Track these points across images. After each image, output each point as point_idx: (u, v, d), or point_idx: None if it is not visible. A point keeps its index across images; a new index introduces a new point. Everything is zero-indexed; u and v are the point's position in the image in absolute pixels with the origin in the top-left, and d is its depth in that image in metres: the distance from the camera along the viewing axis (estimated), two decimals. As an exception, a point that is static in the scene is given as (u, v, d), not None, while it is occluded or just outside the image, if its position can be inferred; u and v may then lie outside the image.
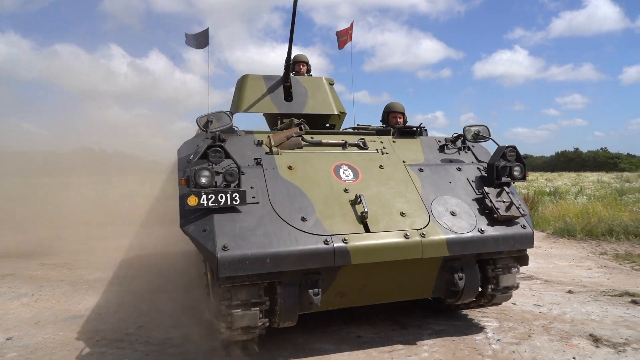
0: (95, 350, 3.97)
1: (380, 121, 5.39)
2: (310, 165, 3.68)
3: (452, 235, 3.44)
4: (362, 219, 3.34)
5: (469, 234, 3.50)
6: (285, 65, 4.72)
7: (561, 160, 62.63)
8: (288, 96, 4.92)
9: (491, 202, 3.66)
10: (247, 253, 2.98)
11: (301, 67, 6.00)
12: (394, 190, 3.66)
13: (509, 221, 3.67)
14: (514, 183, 4.00)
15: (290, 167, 3.61)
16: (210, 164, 3.18)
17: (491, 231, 3.57)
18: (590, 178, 30.21)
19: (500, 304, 4.31)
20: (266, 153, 3.75)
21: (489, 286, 3.84)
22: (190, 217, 3.15)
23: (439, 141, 4.43)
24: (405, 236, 3.32)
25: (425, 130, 4.78)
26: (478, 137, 4.25)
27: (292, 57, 5.75)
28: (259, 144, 3.86)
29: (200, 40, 6.81)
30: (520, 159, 3.96)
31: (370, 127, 4.90)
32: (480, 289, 3.89)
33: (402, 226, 3.40)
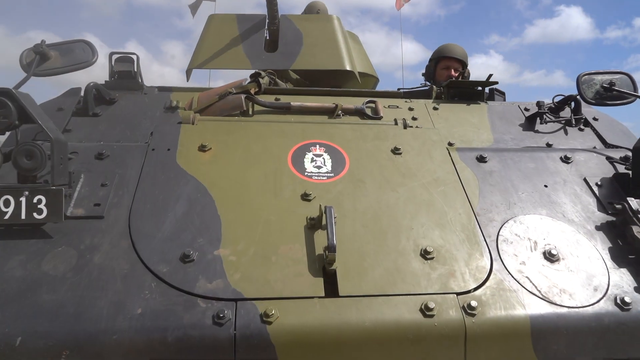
0: None
1: (423, 75, 3.36)
2: (245, 145, 1.85)
3: (546, 311, 1.42)
4: (324, 265, 1.46)
5: (591, 310, 1.45)
6: None
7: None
8: (272, 44, 3.10)
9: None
10: (13, 336, 1.24)
11: None
12: (416, 199, 1.72)
13: None
14: None
15: (203, 148, 1.82)
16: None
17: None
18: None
19: None
20: (179, 122, 1.99)
21: None
22: None
23: (526, 109, 2.39)
24: (425, 311, 1.37)
25: (501, 93, 2.75)
26: (608, 97, 2.13)
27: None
28: (173, 107, 2.12)
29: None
30: None
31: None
32: None
33: (421, 284, 1.44)
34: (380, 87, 3.81)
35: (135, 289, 1.36)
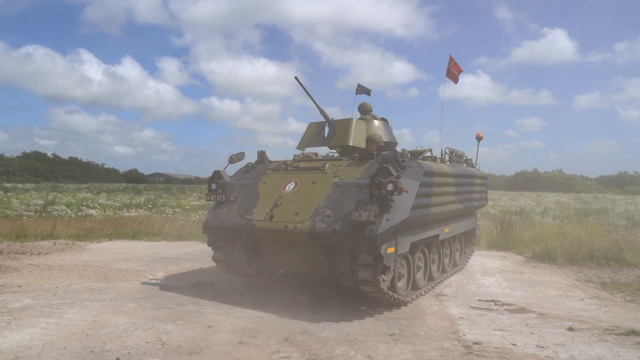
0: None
1: (366, 147, 6.24)
2: (273, 181, 5.55)
3: (313, 229, 4.64)
4: (271, 214, 5.01)
5: (324, 229, 4.58)
6: (321, 113, 6.51)
7: (521, 180, 64.79)
8: (327, 134, 6.52)
9: (356, 209, 4.49)
10: (213, 224, 5.43)
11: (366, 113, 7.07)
12: (307, 197, 4.99)
13: (365, 226, 4.40)
14: (391, 197, 4.51)
15: (264, 182, 5.61)
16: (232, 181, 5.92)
17: (342, 230, 4.49)
18: (549, 198, 29.96)
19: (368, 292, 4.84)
20: (264, 174, 5.79)
21: (354, 276, 4.65)
22: (212, 206, 5.71)
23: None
24: (285, 226, 4.82)
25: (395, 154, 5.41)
26: (386, 161, 4.86)
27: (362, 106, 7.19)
28: (266, 169, 5.85)
29: (366, 89, 7.89)
30: (390, 174, 4.50)
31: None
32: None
33: (290, 220, 4.87)
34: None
35: (233, 217, 5.44)
